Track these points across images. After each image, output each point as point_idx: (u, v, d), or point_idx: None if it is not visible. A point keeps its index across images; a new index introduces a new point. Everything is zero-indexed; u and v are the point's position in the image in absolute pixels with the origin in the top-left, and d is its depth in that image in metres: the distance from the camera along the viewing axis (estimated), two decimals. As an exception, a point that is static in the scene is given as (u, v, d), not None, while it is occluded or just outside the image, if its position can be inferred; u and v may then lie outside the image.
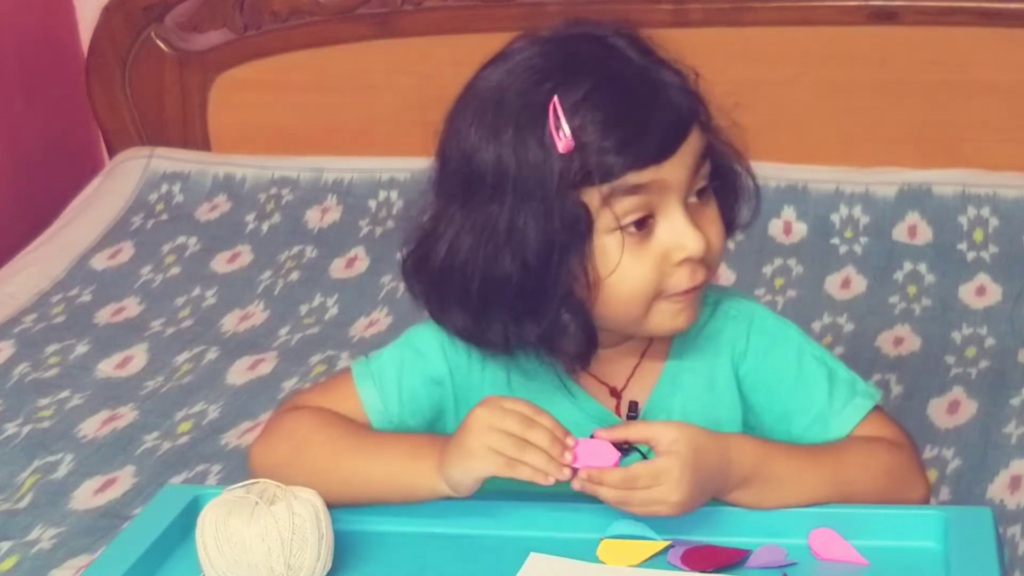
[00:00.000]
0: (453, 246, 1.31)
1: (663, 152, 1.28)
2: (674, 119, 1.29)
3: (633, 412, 1.40)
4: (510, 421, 1.28)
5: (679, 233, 1.30)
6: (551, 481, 1.28)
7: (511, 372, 1.40)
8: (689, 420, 1.39)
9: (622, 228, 1.29)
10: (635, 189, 1.28)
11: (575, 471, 1.29)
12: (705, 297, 1.39)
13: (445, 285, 1.33)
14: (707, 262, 1.33)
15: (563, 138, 1.26)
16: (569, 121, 1.26)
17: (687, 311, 1.34)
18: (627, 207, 1.29)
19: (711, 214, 1.34)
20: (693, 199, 1.32)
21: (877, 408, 1.42)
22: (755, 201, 1.41)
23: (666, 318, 1.34)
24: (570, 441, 1.29)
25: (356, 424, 1.42)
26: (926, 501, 1.40)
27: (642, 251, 1.30)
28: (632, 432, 1.31)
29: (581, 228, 1.28)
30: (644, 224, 1.30)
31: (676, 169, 1.29)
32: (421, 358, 1.43)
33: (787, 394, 1.41)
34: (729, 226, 1.39)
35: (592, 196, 1.28)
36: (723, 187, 1.38)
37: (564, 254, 1.28)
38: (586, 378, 1.41)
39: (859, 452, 1.37)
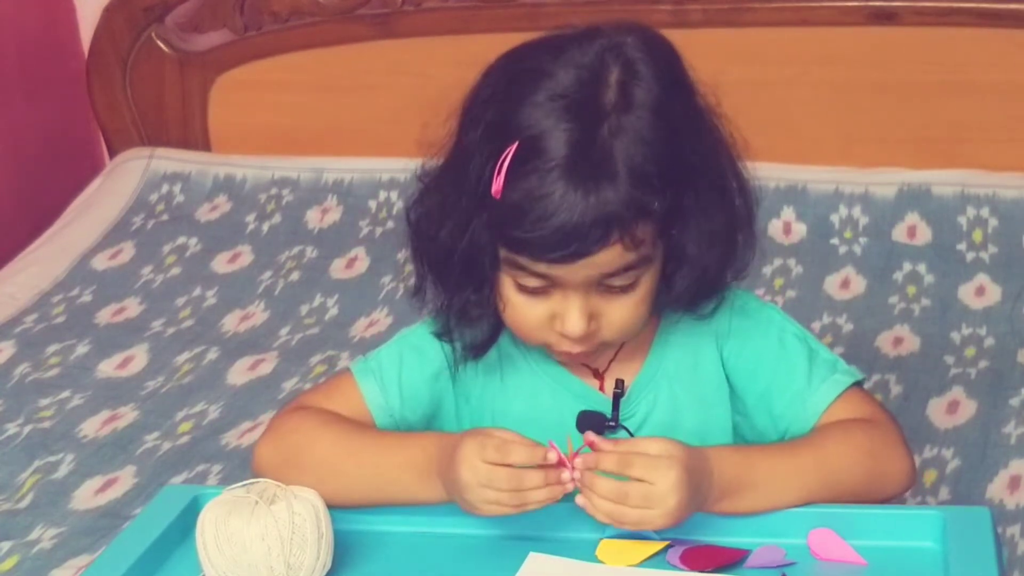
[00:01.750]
0: (419, 204, 1.38)
1: (554, 261, 1.28)
2: (585, 241, 1.27)
3: (619, 389, 1.41)
4: (500, 479, 1.27)
5: (564, 312, 1.32)
6: (559, 498, 1.29)
7: (502, 359, 1.44)
8: (675, 401, 1.42)
9: (518, 285, 1.33)
10: (525, 269, 1.31)
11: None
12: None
13: (412, 239, 1.40)
14: (596, 337, 1.34)
15: (496, 182, 1.28)
16: (512, 171, 1.27)
17: (583, 358, 1.39)
18: (523, 277, 1.32)
19: (626, 302, 1.34)
20: (613, 282, 1.32)
21: (857, 386, 1.43)
22: (743, 267, 1.40)
23: (560, 357, 1.40)
24: (552, 456, 1.28)
25: (361, 425, 1.43)
26: (912, 475, 1.40)
27: (536, 304, 1.33)
28: (630, 468, 1.28)
29: (487, 259, 1.33)
30: (543, 289, 1.32)
31: (572, 272, 1.30)
32: (420, 354, 1.45)
33: (768, 373, 1.42)
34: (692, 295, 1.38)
35: (499, 245, 1.32)
36: (690, 264, 1.35)
37: (477, 270, 1.34)
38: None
39: (837, 439, 1.37)
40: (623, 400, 1.41)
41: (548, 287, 1.32)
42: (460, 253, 1.33)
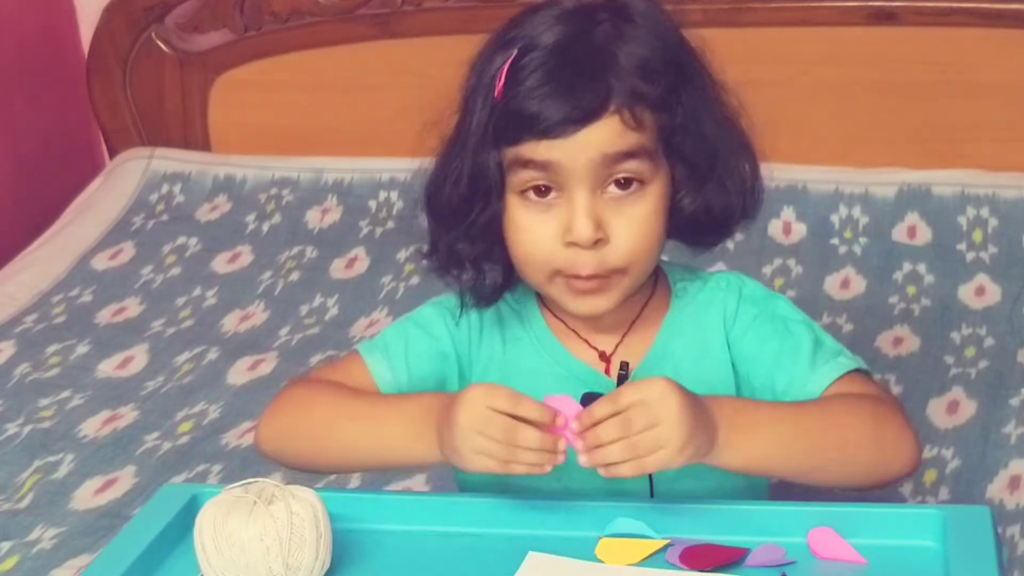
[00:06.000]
0: (430, 177, 1.41)
1: (552, 133, 1.30)
2: (580, 106, 1.30)
3: (624, 371, 1.40)
4: (495, 428, 1.26)
5: (569, 216, 1.33)
6: (547, 471, 1.27)
7: (505, 343, 1.45)
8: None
9: (522, 193, 1.34)
10: (528, 163, 1.32)
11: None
12: (692, 275, 1.45)
13: (425, 207, 1.42)
14: (606, 257, 1.34)
15: (497, 86, 1.32)
16: (509, 76, 1.32)
17: (591, 299, 1.36)
18: (524, 178, 1.34)
19: (632, 212, 1.34)
20: (614, 190, 1.33)
21: (861, 372, 1.42)
22: (753, 199, 1.42)
23: (567, 298, 1.37)
24: (560, 420, 1.27)
25: (358, 390, 1.44)
26: (917, 453, 1.38)
27: (544, 220, 1.34)
28: (620, 397, 1.27)
29: (494, 181, 1.34)
30: (546, 193, 1.34)
31: (572, 155, 1.31)
32: (426, 333, 1.46)
33: (773, 358, 1.42)
34: (712, 225, 1.40)
35: (504, 155, 1.34)
36: (697, 181, 1.38)
37: (484, 201, 1.36)
38: (577, 343, 1.44)
39: (843, 401, 1.37)
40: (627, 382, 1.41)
41: (551, 193, 1.33)
42: (468, 184, 1.35)
